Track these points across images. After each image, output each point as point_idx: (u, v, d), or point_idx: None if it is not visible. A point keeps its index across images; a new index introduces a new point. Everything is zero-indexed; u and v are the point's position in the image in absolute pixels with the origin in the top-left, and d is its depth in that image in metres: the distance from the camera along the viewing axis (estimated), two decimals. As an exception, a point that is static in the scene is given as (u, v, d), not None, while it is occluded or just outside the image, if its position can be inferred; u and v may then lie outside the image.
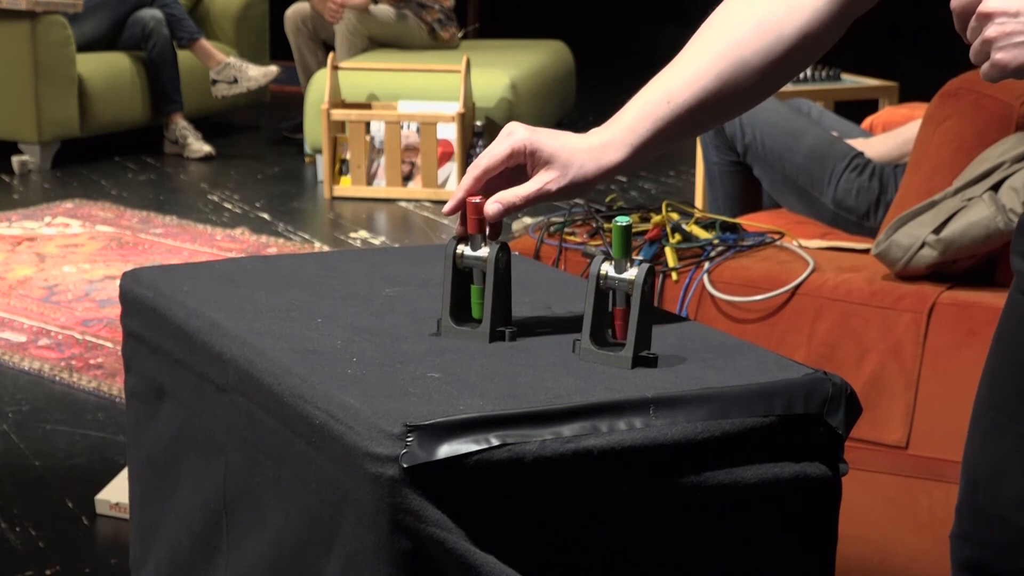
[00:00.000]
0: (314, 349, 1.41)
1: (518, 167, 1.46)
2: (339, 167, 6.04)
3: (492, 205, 1.44)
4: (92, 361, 3.89)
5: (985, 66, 1.29)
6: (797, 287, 2.51)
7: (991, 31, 1.27)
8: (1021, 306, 1.48)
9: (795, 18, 1.47)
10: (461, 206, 1.46)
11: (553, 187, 1.45)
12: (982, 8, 1.28)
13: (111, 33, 6.80)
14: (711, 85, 1.47)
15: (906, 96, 4.97)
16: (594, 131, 1.47)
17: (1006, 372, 1.50)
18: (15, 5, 6.25)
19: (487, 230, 1.45)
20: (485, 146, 5.81)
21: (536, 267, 1.79)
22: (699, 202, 4.33)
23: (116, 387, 3.64)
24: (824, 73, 5.09)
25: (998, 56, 1.27)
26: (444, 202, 5.85)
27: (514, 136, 1.45)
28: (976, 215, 2.36)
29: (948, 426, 2.34)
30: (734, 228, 2.74)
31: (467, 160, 5.83)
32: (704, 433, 1.30)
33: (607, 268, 1.39)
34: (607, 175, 1.46)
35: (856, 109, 4.72)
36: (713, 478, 1.31)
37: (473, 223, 1.45)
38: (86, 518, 2.94)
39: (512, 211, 1.44)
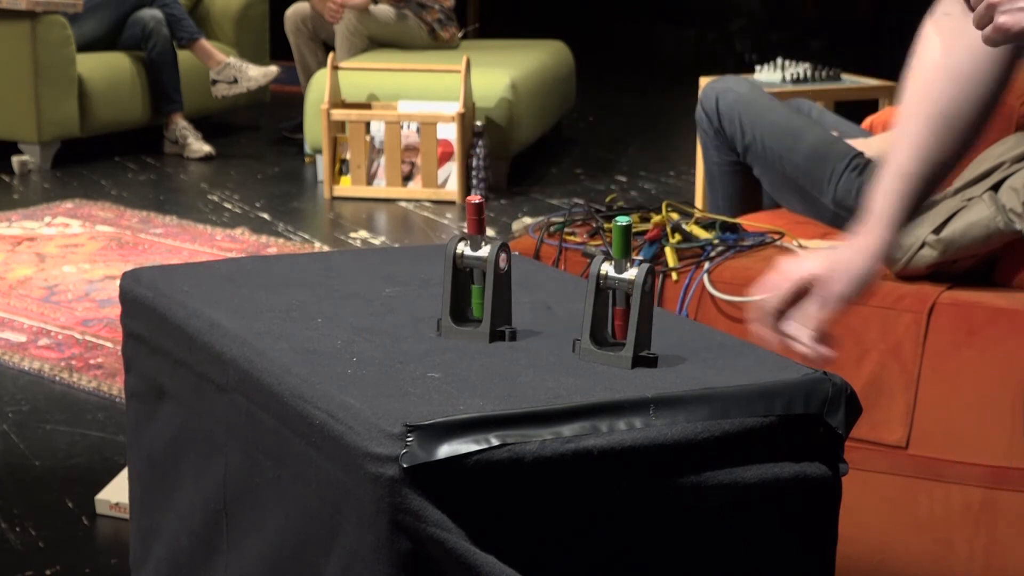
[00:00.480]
0: (314, 349, 1.41)
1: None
2: (339, 167, 6.04)
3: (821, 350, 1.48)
4: (92, 361, 3.89)
5: (988, 30, 1.31)
6: None
7: None
8: None
9: (981, 68, 1.53)
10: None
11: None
12: None
13: (111, 33, 6.80)
14: (934, 151, 1.54)
15: (906, 96, 4.95)
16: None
17: None
18: (15, 5, 6.25)
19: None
20: (485, 146, 5.83)
21: (536, 267, 1.79)
22: (699, 202, 4.33)
23: (116, 387, 3.64)
24: (824, 73, 5.09)
25: (1001, 20, 1.30)
26: (444, 202, 5.86)
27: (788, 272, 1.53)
28: (976, 215, 2.36)
29: (948, 426, 2.34)
30: (734, 228, 2.74)
31: (467, 160, 5.83)
32: (704, 433, 1.30)
33: (607, 268, 1.39)
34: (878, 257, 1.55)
35: (856, 109, 4.72)
36: (713, 478, 1.31)
37: (473, 224, 1.45)
38: (86, 518, 2.93)
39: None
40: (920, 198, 1.55)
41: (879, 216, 1.54)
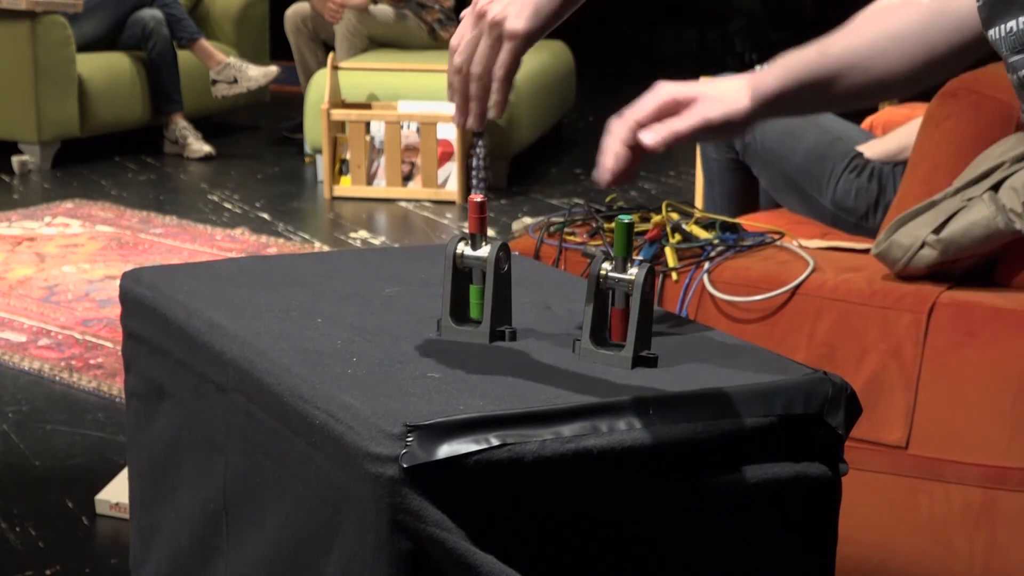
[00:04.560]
0: (314, 349, 1.41)
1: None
2: (339, 167, 6.04)
3: (649, 135, 1.34)
4: (92, 361, 3.89)
5: (503, 53, 1.33)
6: (797, 287, 2.51)
7: (493, 11, 1.32)
8: None
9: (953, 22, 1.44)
10: (617, 162, 1.37)
11: (714, 115, 1.36)
12: (477, 8, 1.33)
13: (111, 33, 6.80)
14: (864, 51, 1.42)
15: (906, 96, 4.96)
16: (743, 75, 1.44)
17: None
18: (15, 5, 6.25)
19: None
20: (485, 146, 5.83)
21: (536, 267, 1.79)
22: (699, 202, 4.33)
23: (116, 387, 3.64)
24: (824, 73, 5.08)
25: (511, 24, 1.32)
26: (444, 202, 5.86)
27: (661, 90, 1.39)
28: (976, 215, 2.36)
29: (948, 426, 2.34)
30: (734, 228, 2.74)
31: (467, 160, 5.83)
32: (704, 433, 1.30)
33: (607, 268, 1.38)
34: (760, 104, 1.40)
35: (856, 109, 4.71)
36: (713, 478, 1.31)
37: (474, 222, 1.45)
38: (86, 518, 2.93)
39: (677, 143, 1.35)
40: (821, 88, 1.42)
41: (776, 71, 1.41)
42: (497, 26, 1.38)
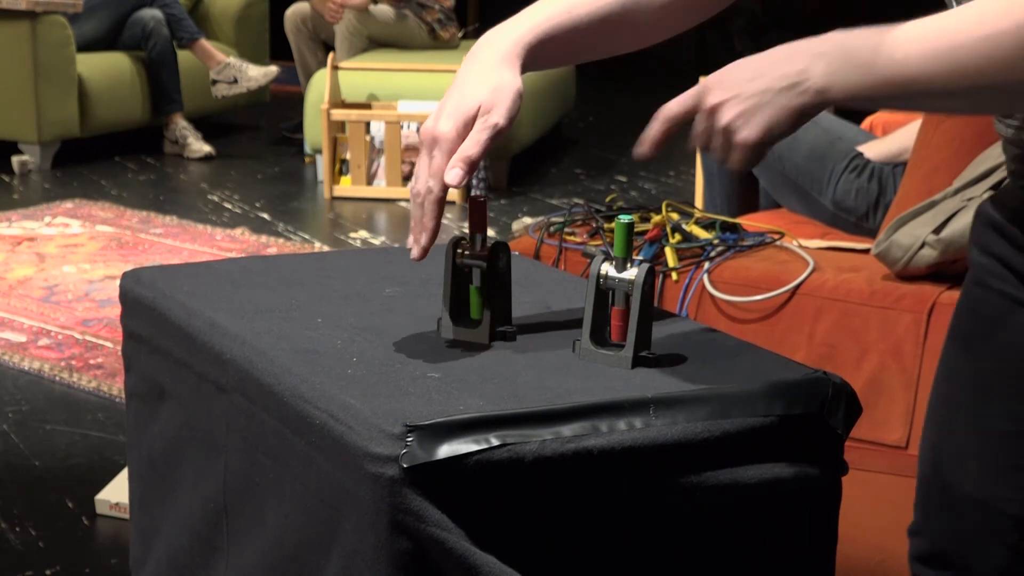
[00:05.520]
0: (314, 349, 1.41)
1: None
2: (339, 167, 6.04)
3: (452, 172, 1.36)
4: (92, 361, 3.89)
5: (735, 154, 1.30)
6: (797, 287, 2.51)
7: (726, 116, 1.29)
8: (974, 298, 1.47)
9: None
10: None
11: (502, 121, 1.39)
12: (709, 104, 1.31)
13: (111, 33, 6.81)
14: (611, 10, 1.47)
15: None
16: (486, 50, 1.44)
17: (962, 365, 1.49)
18: (15, 5, 6.25)
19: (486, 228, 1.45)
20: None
21: (536, 267, 1.79)
22: (699, 202, 4.34)
23: (116, 387, 3.64)
24: (824, 73, 5.08)
25: (743, 135, 1.28)
26: (444, 202, 5.87)
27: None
28: (976, 215, 2.36)
29: (948, 426, 2.34)
30: (734, 228, 2.74)
31: (467, 160, 5.84)
32: (704, 433, 1.30)
33: (607, 268, 1.38)
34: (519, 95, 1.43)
35: (856, 109, 4.71)
36: (713, 478, 1.31)
37: (475, 221, 1.46)
38: (86, 518, 2.93)
39: (474, 167, 1.38)
40: (569, 50, 1.47)
41: (526, 33, 1.44)
42: (446, 144, 1.38)
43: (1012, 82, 1.20)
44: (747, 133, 1.28)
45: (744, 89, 1.29)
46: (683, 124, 1.37)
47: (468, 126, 1.38)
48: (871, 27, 1.30)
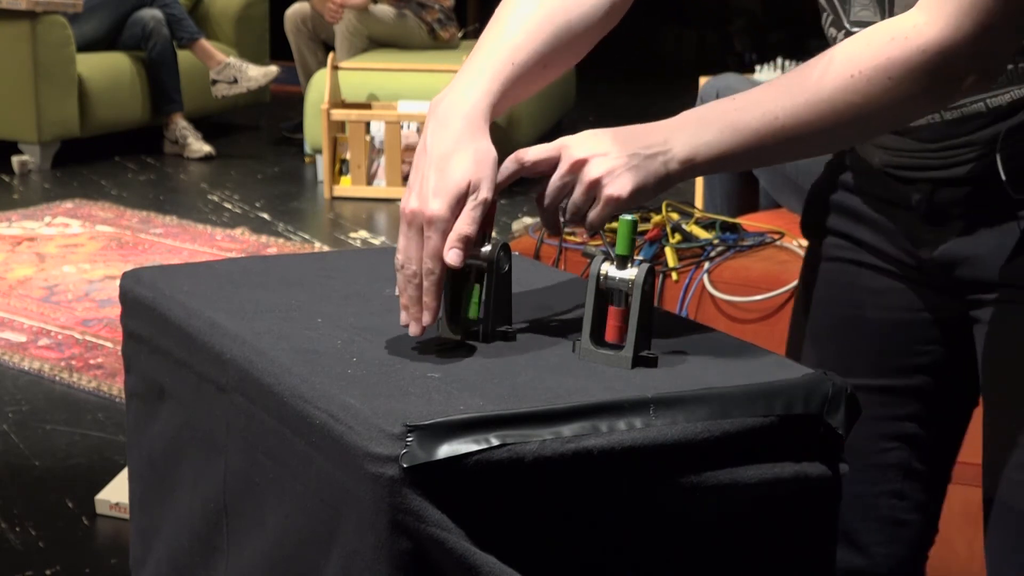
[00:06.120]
0: (314, 349, 1.41)
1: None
2: (339, 167, 6.04)
3: (452, 252, 1.38)
4: (92, 361, 3.89)
5: (595, 212, 1.35)
6: (797, 287, 2.51)
7: (592, 172, 1.33)
8: (832, 270, 1.62)
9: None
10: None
11: (490, 196, 1.40)
12: (575, 157, 1.34)
13: (111, 33, 6.81)
14: (545, 47, 1.50)
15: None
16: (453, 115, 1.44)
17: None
18: (15, 5, 6.25)
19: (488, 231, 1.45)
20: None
21: (536, 267, 1.79)
22: (699, 202, 4.34)
23: (116, 387, 3.64)
24: (824, 73, 5.08)
25: (609, 191, 1.34)
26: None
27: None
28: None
29: (948, 426, 2.34)
30: (734, 228, 2.74)
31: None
32: (704, 433, 1.30)
33: (607, 268, 1.39)
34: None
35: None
36: (713, 478, 1.31)
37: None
38: (86, 518, 2.93)
39: (470, 245, 1.39)
40: (518, 93, 1.49)
41: (485, 95, 1.45)
42: (442, 224, 1.38)
43: (875, 112, 1.30)
44: (616, 189, 1.34)
45: (613, 150, 1.35)
46: (533, 172, 1.40)
47: (460, 204, 1.38)
48: (719, 99, 1.38)
